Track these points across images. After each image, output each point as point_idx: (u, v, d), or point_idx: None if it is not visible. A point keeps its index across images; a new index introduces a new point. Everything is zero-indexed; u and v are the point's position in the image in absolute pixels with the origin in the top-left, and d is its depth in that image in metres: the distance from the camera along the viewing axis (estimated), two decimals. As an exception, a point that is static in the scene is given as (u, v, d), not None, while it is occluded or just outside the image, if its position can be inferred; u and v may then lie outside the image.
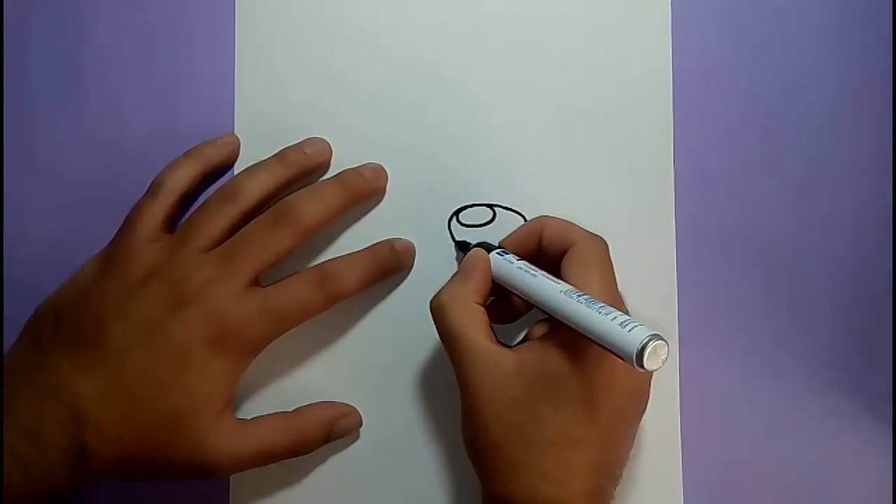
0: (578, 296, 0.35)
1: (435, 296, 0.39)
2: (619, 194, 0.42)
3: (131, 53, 0.43)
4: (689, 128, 0.43)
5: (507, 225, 0.42)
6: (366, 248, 0.42)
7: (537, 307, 0.37)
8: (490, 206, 0.42)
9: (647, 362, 0.32)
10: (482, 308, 0.38)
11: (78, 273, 0.39)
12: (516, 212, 0.43)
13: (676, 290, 0.42)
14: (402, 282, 0.43)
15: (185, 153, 0.42)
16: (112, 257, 0.39)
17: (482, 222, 0.43)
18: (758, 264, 0.43)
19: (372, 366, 0.43)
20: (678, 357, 0.42)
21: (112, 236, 0.40)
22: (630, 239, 0.40)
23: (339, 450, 0.42)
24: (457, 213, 0.43)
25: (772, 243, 0.43)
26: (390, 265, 0.42)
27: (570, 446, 0.36)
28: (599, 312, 0.34)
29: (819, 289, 0.43)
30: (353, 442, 0.42)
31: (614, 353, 0.33)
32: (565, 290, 0.36)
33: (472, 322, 0.38)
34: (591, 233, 0.39)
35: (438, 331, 0.38)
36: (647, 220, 0.43)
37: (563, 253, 0.39)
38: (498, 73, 0.43)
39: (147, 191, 0.41)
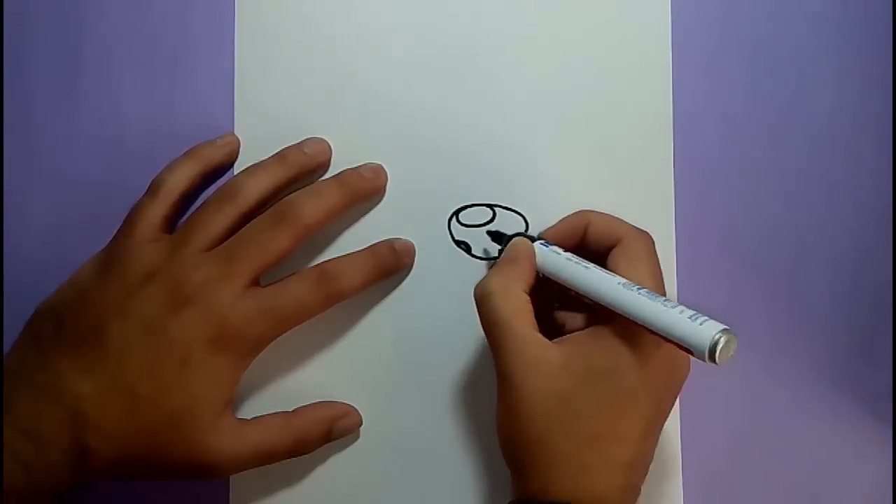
0: (638, 289, 0.35)
1: (480, 283, 0.38)
2: (619, 194, 0.42)
3: (131, 53, 0.43)
4: (689, 128, 0.43)
5: (507, 225, 0.42)
6: (366, 248, 0.42)
7: (586, 299, 0.37)
8: (490, 206, 0.42)
9: (720, 357, 0.32)
10: (528, 297, 0.38)
11: (78, 273, 0.39)
12: (516, 212, 0.43)
13: (676, 290, 0.42)
14: (402, 282, 0.43)
15: (185, 153, 0.42)
16: (112, 257, 0.39)
17: (482, 222, 0.43)
18: (758, 264, 0.43)
19: (372, 365, 0.43)
20: (678, 357, 0.42)
21: (112, 236, 0.40)
22: (630, 239, 0.40)
23: (339, 450, 0.42)
24: (457, 213, 0.43)
25: (772, 243, 0.43)
26: (390, 265, 0.42)
27: (614, 440, 0.36)
28: (665, 306, 0.34)
29: (819, 289, 0.43)
30: (353, 442, 0.42)
31: (682, 347, 0.33)
32: (622, 282, 0.36)
33: (520, 312, 0.37)
34: (639, 228, 0.39)
35: (483, 318, 0.38)
36: (648, 220, 0.43)
37: (608, 247, 0.39)
38: (498, 72, 0.43)
39: (147, 191, 0.40)
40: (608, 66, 0.43)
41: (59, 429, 0.36)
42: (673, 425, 0.42)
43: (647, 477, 0.41)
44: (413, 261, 0.43)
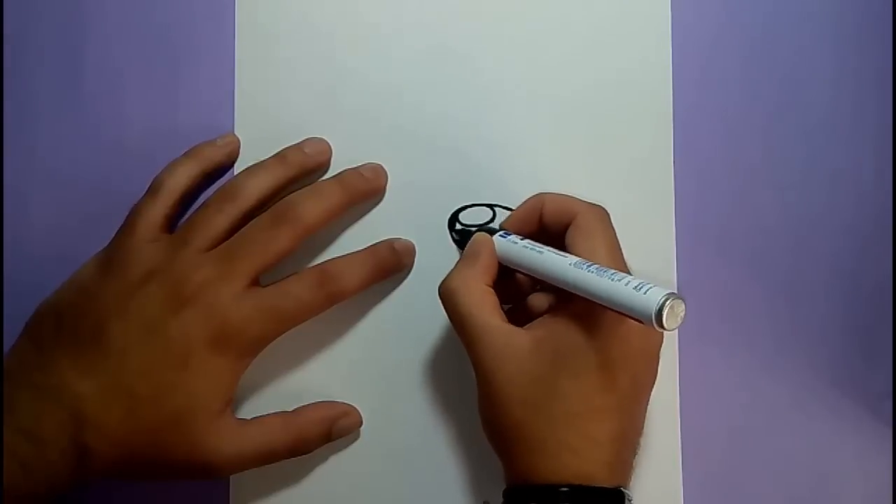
0: (588, 266, 0.36)
1: (444, 281, 0.39)
2: (619, 194, 0.42)
3: (132, 54, 0.44)
4: (689, 128, 0.43)
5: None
6: (366, 248, 0.42)
7: (549, 283, 0.37)
8: (490, 206, 0.42)
9: (667, 322, 0.32)
10: (492, 290, 0.39)
11: (78, 273, 0.39)
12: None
13: (677, 289, 0.42)
14: (402, 281, 0.43)
15: (185, 153, 0.42)
16: (112, 257, 0.39)
17: (482, 222, 0.43)
18: (758, 264, 0.43)
19: (372, 365, 0.43)
20: (678, 357, 0.42)
21: (112, 236, 0.40)
22: (630, 238, 0.40)
23: (339, 450, 0.42)
24: (457, 213, 0.43)
25: (772, 243, 0.43)
26: (390, 265, 0.42)
27: (592, 416, 0.36)
28: (612, 279, 0.34)
29: (819, 289, 0.43)
30: (353, 442, 0.42)
31: (632, 318, 0.33)
32: (574, 262, 0.36)
33: (485, 304, 0.38)
34: (591, 203, 0.39)
35: (450, 315, 0.38)
36: (647, 220, 0.43)
37: (565, 227, 0.39)
38: (498, 72, 0.43)
39: (147, 191, 0.41)
40: (608, 65, 0.43)
41: (59, 429, 0.36)
42: (673, 424, 0.42)
43: (647, 477, 0.41)
44: (413, 261, 0.43)
